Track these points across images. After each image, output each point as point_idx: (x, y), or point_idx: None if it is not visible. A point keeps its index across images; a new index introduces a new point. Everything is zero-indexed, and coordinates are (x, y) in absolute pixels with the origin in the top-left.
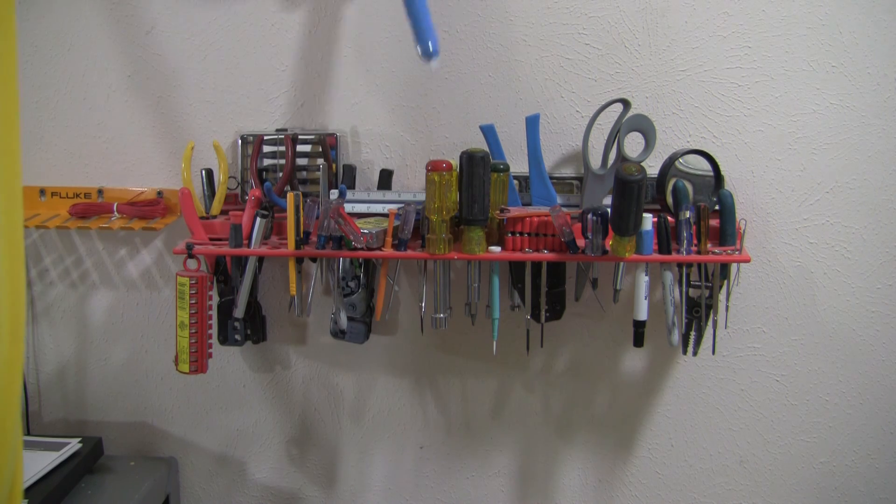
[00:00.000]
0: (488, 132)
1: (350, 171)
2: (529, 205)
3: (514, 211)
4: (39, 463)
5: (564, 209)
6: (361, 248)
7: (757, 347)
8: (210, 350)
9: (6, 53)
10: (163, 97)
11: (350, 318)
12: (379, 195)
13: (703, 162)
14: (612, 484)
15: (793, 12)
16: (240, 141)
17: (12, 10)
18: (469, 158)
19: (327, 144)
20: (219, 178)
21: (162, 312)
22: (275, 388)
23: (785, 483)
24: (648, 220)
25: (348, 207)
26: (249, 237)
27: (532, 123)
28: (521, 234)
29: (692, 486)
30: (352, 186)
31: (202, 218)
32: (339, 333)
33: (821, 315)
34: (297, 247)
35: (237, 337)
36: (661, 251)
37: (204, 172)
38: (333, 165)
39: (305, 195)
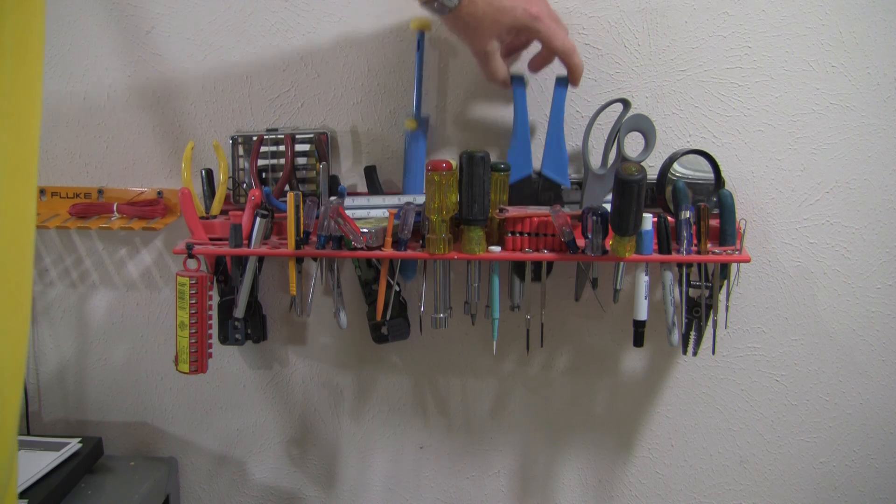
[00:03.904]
0: (517, 83)
1: (334, 181)
2: (540, 173)
3: (513, 211)
4: (39, 463)
5: (564, 209)
6: (361, 248)
7: (757, 347)
8: (210, 350)
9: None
10: (163, 97)
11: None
12: (379, 199)
13: (701, 164)
14: (612, 484)
15: (793, 12)
16: (230, 141)
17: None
18: (469, 158)
19: (323, 144)
20: (219, 178)
21: (162, 312)
22: (275, 387)
23: (785, 483)
24: (648, 220)
25: (348, 213)
26: (249, 237)
27: (561, 83)
28: (521, 233)
29: (692, 486)
30: (335, 193)
31: (202, 218)
32: (382, 338)
33: (821, 315)
34: (297, 247)
35: (237, 336)
36: (661, 251)
37: (204, 172)
38: (319, 165)
39: (304, 195)
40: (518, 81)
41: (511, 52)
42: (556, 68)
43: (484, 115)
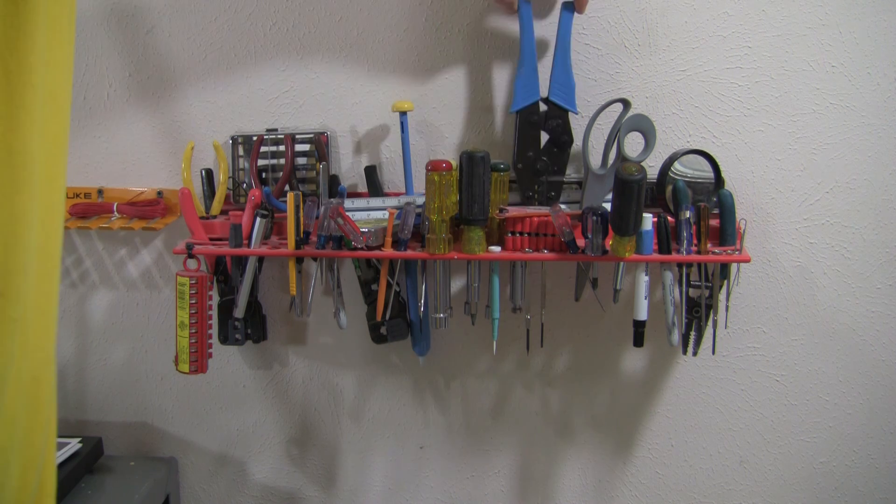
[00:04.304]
0: (523, 6)
1: (334, 181)
2: (547, 100)
3: (513, 211)
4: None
5: (564, 208)
6: (361, 248)
7: (757, 347)
8: (210, 350)
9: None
10: (163, 97)
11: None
12: (379, 200)
13: (701, 164)
14: (612, 484)
15: (793, 12)
16: (230, 141)
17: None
18: (469, 158)
19: (322, 144)
20: (219, 178)
21: (162, 312)
22: (275, 387)
23: (785, 483)
24: (648, 220)
25: (348, 213)
26: (249, 237)
27: (567, 8)
28: (521, 233)
29: (692, 486)
30: (335, 195)
31: (202, 218)
32: (381, 338)
33: (821, 315)
34: (298, 247)
35: (237, 336)
36: (661, 251)
37: (204, 172)
38: (319, 165)
39: (304, 195)
40: (525, 5)
41: None
42: None
43: (485, 115)
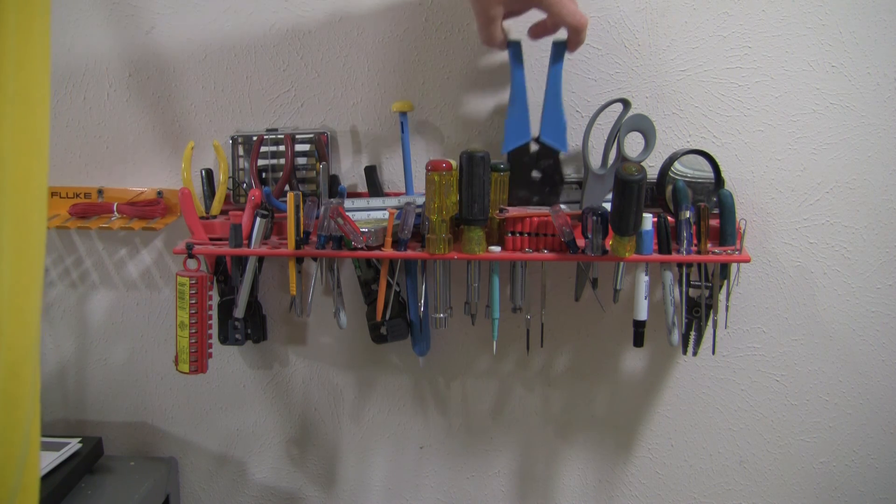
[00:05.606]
0: (513, 48)
1: (334, 181)
2: (538, 140)
3: (513, 211)
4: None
5: (564, 208)
6: (361, 248)
7: (757, 347)
8: (210, 350)
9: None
10: (163, 97)
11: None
12: (378, 202)
13: (701, 164)
14: (612, 484)
15: (793, 12)
16: (230, 141)
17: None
18: (469, 158)
19: (323, 144)
20: (219, 178)
21: (162, 312)
22: (275, 387)
23: (785, 483)
24: (648, 220)
25: (348, 213)
26: (249, 237)
27: (559, 47)
28: (521, 233)
29: (692, 486)
30: (335, 195)
31: (202, 218)
32: (381, 338)
33: (821, 315)
34: (298, 247)
35: (237, 336)
36: (661, 251)
37: (204, 172)
38: (319, 165)
39: (304, 195)
40: (515, 46)
41: (509, 16)
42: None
43: (484, 115)
